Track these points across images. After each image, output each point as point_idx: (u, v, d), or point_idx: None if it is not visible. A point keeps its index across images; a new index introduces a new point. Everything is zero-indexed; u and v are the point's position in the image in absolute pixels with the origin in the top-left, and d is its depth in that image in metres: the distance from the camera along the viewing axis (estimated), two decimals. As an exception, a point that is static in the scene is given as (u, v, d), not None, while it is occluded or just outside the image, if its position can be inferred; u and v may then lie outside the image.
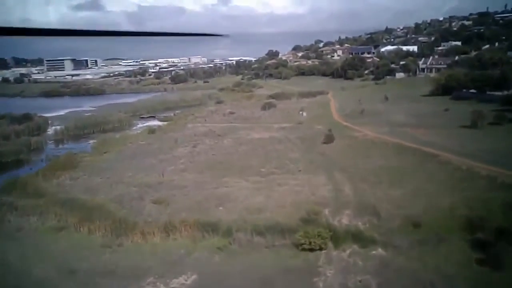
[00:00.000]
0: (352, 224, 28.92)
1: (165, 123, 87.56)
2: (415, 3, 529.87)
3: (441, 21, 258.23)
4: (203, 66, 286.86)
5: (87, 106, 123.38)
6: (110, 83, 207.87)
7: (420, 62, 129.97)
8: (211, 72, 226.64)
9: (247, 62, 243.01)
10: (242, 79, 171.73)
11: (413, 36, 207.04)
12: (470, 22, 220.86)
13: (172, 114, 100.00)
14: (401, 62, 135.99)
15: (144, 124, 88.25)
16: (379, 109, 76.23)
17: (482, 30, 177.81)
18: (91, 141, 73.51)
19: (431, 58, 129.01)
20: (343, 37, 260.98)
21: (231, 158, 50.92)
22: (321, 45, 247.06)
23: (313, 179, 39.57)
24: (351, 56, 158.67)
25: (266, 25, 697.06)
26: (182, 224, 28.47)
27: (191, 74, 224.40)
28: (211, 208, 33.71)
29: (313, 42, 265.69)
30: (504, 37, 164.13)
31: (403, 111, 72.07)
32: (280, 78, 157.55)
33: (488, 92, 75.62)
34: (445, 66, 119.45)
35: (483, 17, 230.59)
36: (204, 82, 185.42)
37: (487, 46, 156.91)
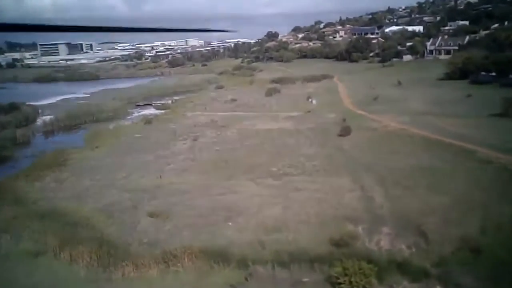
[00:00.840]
0: (395, 249, 23.17)
1: (162, 111, 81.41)
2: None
3: (442, 0, 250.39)
4: (201, 49, 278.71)
5: (81, 92, 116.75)
6: (106, 68, 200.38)
7: (428, 44, 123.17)
8: (209, 55, 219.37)
9: (246, 44, 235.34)
10: (242, 62, 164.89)
11: (417, 16, 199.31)
12: (476, 0, 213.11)
13: (169, 101, 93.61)
14: (408, 44, 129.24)
15: (140, 113, 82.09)
16: (393, 95, 70.10)
17: (490, 9, 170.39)
18: (82, 132, 67.54)
19: (439, 38, 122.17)
20: (343, 17, 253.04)
21: (237, 155, 45.03)
22: (321, 26, 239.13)
23: (336, 182, 33.71)
24: (355, 37, 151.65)
25: (264, 5, 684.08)
26: (185, 253, 22.59)
27: (189, 57, 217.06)
28: (218, 223, 27.89)
29: (313, 23, 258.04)
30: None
31: (421, 97, 66.12)
32: (282, 61, 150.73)
33: (511, 76, 69.45)
34: (456, 47, 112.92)
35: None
36: (202, 65, 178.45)
37: (496, 25, 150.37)
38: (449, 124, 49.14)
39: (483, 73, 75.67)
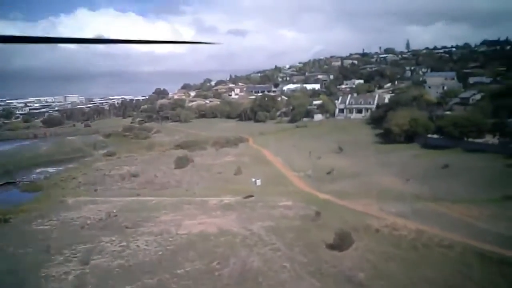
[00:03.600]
0: None
1: (29, 195, 55.24)
2: (285, 45, 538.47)
3: (324, 60, 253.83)
4: (82, 106, 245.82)
5: None
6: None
7: (338, 102, 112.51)
8: (92, 113, 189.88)
9: (134, 102, 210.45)
10: (132, 122, 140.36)
11: (307, 74, 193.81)
12: (355, 61, 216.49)
13: (42, 177, 67.05)
14: (315, 102, 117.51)
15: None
16: (345, 167, 53.52)
17: (376, 69, 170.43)
18: None
19: (349, 97, 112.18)
20: (230, 76, 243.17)
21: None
22: (213, 83, 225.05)
23: None
24: (259, 95, 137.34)
25: (146, 64, 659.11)
26: None
27: (68, 115, 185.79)
28: None
29: (203, 81, 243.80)
30: (399, 76, 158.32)
31: (384, 170, 50.22)
32: (179, 120, 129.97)
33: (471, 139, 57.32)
34: (371, 106, 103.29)
35: (365, 57, 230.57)
36: (85, 125, 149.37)
37: (389, 84, 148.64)
38: (470, 215, 32.99)
39: (430, 135, 63.34)
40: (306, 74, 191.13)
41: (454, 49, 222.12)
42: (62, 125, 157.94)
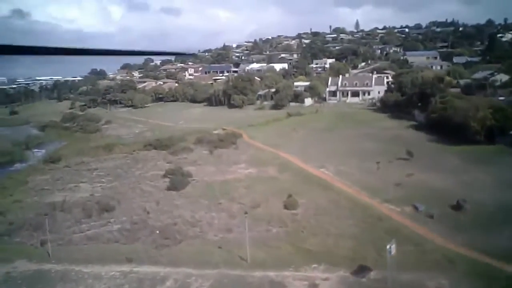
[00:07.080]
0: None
1: None
2: (219, 25, 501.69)
3: (273, 39, 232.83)
4: (4, 87, 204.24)
5: None
6: None
7: (328, 84, 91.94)
8: (19, 96, 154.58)
9: (69, 83, 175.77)
10: (72, 107, 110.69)
11: (268, 53, 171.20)
12: (309, 41, 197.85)
13: None
14: (296, 83, 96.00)
15: None
16: (464, 192, 32.36)
17: (344, 47, 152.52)
18: None
19: (341, 78, 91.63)
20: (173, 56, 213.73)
21: None
22: (157, 63, 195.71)
23: None
24: (233, 75, 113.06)
25: (73, 42, 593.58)
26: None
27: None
28: None
29: (143, 61, 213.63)
30: (368, 55, 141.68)
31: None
32: (132, 106, 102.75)
33: None
34: (370, 88, 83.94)
35: (316, 36, 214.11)
36: (12, 112, 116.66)
37: (363, 63, 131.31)
38: None
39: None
40: (267, 52, 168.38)
41: (406, 29, 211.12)
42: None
